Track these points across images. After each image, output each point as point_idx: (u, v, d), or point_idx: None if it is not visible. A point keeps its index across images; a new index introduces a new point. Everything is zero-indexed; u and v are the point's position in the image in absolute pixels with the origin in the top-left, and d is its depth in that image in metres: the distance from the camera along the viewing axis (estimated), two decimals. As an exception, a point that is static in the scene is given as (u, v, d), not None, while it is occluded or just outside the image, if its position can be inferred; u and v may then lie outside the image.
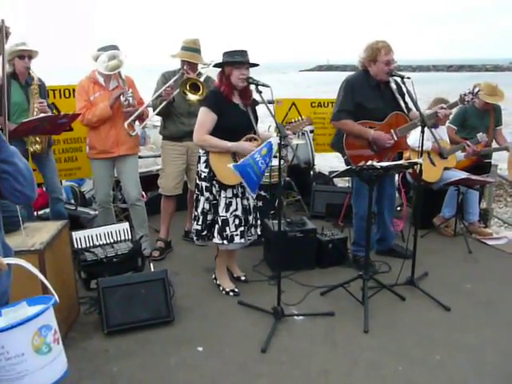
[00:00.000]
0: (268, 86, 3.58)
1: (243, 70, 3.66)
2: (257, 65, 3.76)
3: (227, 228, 3.81)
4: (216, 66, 3.80)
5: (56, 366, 1.88)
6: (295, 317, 3.71)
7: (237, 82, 3.68)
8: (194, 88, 4.36)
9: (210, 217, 3.87)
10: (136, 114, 4.36)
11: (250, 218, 3.94)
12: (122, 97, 4.33)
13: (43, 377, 1.83)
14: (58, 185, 4.75)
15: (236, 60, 3.64)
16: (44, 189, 5.20)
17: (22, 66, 4.22)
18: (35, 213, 4.82)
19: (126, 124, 4.32)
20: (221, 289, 4.10)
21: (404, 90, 4.05)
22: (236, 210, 3.83)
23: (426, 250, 4.79)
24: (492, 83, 5.71)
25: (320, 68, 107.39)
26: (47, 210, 5.07)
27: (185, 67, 4.52)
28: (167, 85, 4.48)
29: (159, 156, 5.62)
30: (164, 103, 4.48)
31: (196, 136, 3.77)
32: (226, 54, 3.68)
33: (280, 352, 3.28)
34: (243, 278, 4.28)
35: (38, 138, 4.34)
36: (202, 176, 3.83)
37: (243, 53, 3.67)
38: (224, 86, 3.73)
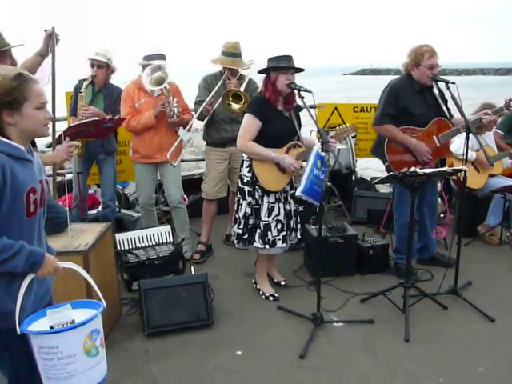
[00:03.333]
0: (310, 92, 3.57)
1: (289, 75, 3.66)
2: (302, 70, 3.75)
3: (269, 233, 3.83)
4: (261, 72, 3.82)
5: (100, 368, 1.95)
6: (334, 323, 3.69)
7: (283, 87, 3.68)
8: (236, 97, 4.39)
9: (251, 221, 3.89)
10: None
11: (292, 221, 3.95)
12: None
13: (89, 378, 1.89)
14: (107, 191, 4.86)
15: (282, 65, 3.65)
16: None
17: (92, 73, 4.55)
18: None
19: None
20: (261, 293, 4.11)
21: (448, 95, 3.97)
22: (278, 214, 3.84)
23: (469, 258, 4.70)
24: None
25: (363, 72, 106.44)
26: (91, 212, 5.20)
27: (226, 73, 4.55)
28: (209, 97, 4.51)
29: (202, 159, 5.65)
30: (207, 115, 4.56)
31: (240, 142, 3.79)
32: (271, 59, 3.69)
33: (319, 358, 3.26)
34: (283, 283, 4.28)
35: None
36: (245, 180, 3.85)
37: (288, 58, 3.67)
38: (269, 92, 3.73)
